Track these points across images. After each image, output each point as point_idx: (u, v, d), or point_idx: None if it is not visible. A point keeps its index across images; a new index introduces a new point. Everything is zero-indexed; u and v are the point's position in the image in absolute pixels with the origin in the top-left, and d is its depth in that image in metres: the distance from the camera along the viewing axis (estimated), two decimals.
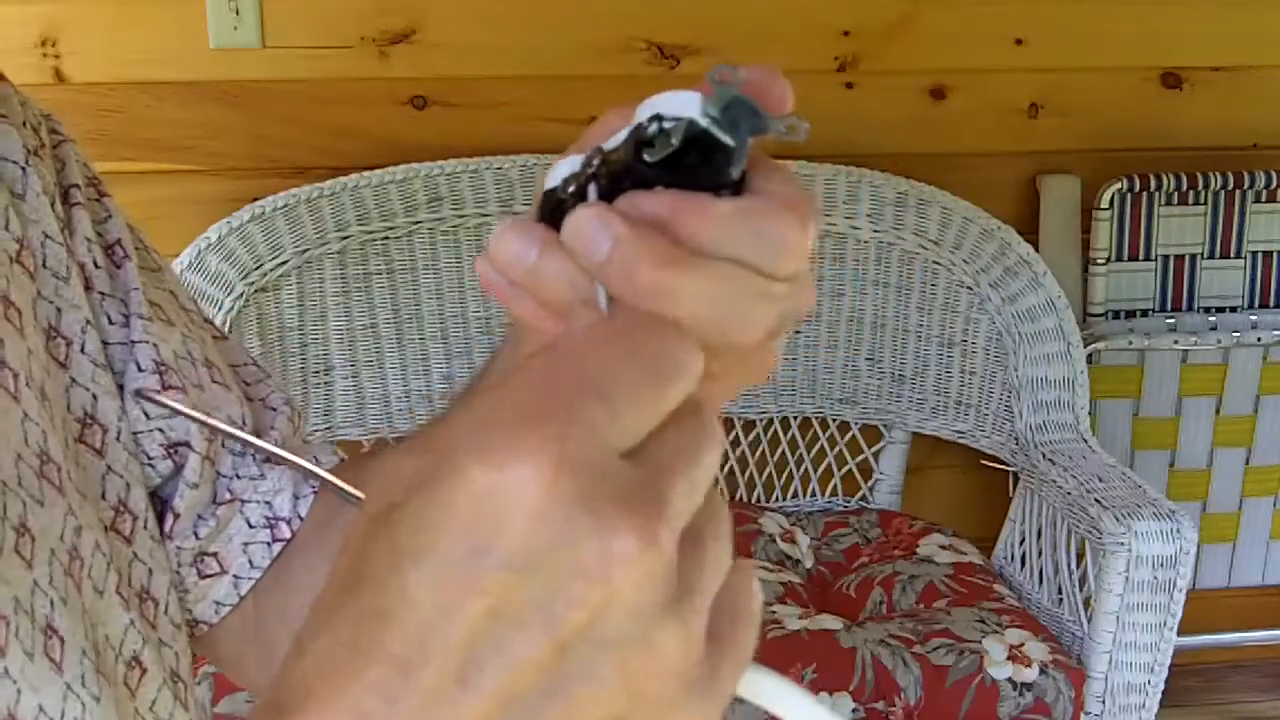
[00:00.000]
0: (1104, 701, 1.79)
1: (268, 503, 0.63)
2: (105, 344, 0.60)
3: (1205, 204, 2.22)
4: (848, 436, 2.22)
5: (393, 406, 2.06)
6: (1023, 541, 2.00)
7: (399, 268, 2.02)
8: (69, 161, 0.61)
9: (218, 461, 0.63)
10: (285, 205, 1.96)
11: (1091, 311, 2.21)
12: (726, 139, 0.41)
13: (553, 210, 0.42)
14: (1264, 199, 2.23)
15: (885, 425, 2.18)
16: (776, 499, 2.23)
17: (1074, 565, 1.87)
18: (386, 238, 2.02)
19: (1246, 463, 2.29)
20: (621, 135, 0.42)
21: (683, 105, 0.41)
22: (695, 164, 0.40)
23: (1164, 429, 2.26)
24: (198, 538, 0.62)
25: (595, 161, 0.42)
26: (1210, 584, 2.33)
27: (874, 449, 2.21)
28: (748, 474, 2.23)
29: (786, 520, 2.09)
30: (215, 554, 0.62)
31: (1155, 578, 1.74)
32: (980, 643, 1.76)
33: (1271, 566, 2.35)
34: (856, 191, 2.09)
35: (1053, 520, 1.91)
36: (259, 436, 0.64)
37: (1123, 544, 1.73)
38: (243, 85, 2.05)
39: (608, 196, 0.41)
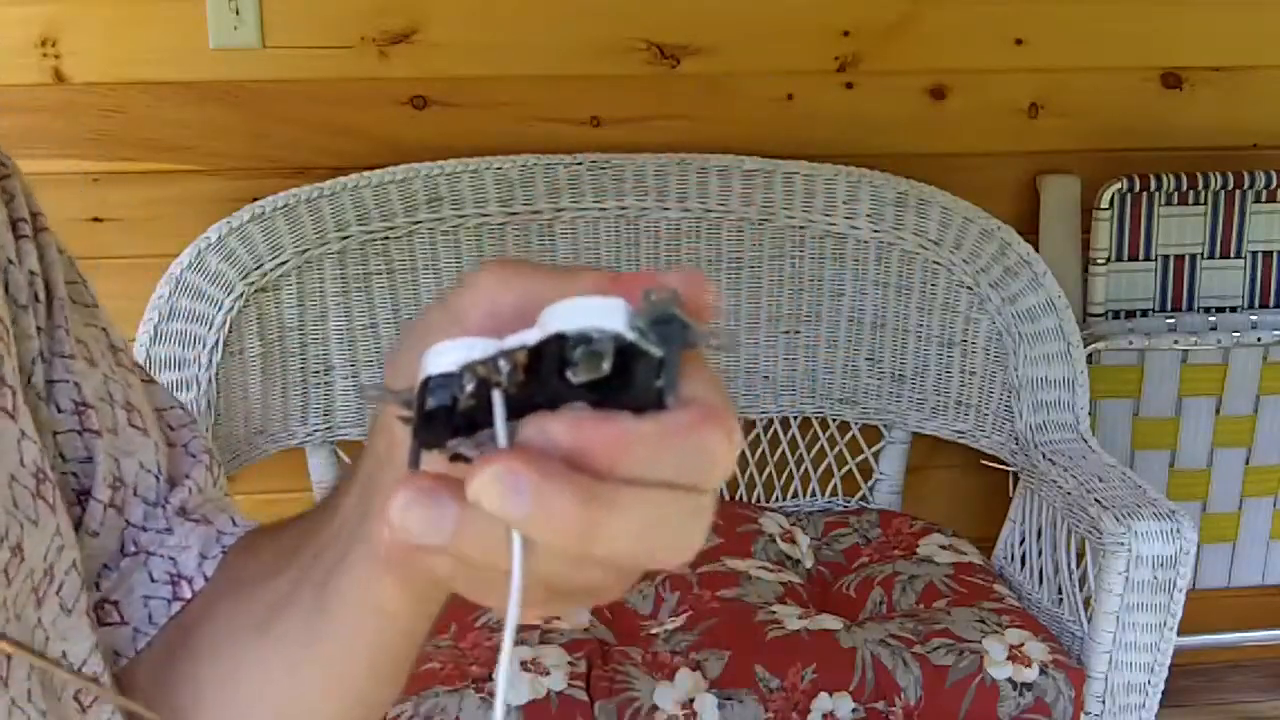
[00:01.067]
0: (1104, 701, 1.79)
1: (173, 559, 0.62)
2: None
3: (1205, 204, 2.22)
4: (848, 436, 2.22)
5: None
6: (1023, 541, 2.00)
7: (399, 268, 2.02)
8: (16, 195, 0.59)
9: (126, 510, 0.61)
10: (285, 205, 1.96)
11: (1091, 311, 2.21)
12: (659, 357, 0.37)
13: (439, 412, 0.38)
14: (1264, 199, 2.23)
15: (885, 425, 2.18)
16: (776, 499, 2.23)
17: (1074, 565, 1.87)
18: (386, 238, 2.02)
19: (1246, 463, 2.29)
20: (529, 336, 0.38)
21: (603, 316, 0.37)
22: (620, 383, 0.37)
23: (1164, 429, 2.26)
24: (98, 588, 0.61)
25: (504, 369, 0.38)
26: (1210, 584, 2.33)
27: (874, 449, 2.21)
28: (748, 474, 2.23)
29: (786, 520, 2.09)
30: (116, 603, 0.61)
31: (1155, 578, 1.74)
32: (980, 643, 1.76)
33: (1271, 566, 2.35)
34: (856, 191, 2.09)
35: (1053, 520, 1.91)
36: (173, 485, 0.63)
37: (1123, 544, 1.73)
38: (243, 85, 2.05)
39: (514, 411, 0.37)
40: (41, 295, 0.59)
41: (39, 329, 0.59)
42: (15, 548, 0.52)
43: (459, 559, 0.38)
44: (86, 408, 0.59)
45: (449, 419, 0.38)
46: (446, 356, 0.39)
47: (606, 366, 0.36)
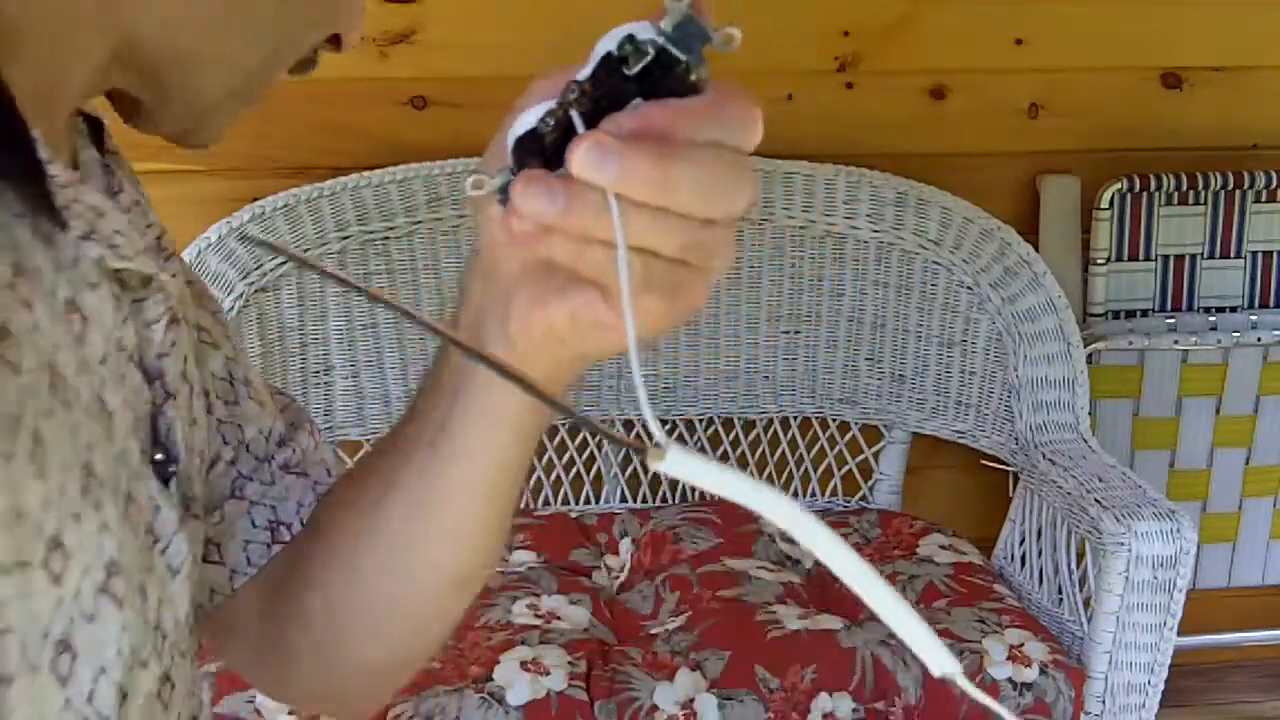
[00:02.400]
0: (1104, 701, 1.79)
1: (273, 507, 0.69)
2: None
3: (1205, 204, 2.22)
4: (848, 436, 2.22)
5: (393, 406, 2.06)
6: (1023, 541, 2.00)
7: (399, 268, 2.03)
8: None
9: (239, 463, 0.69)
10: (285, 205, 1.96)
11: (1091, 311, 2.21)
12: (680, 53, 0.48)
13: (532, 150, 0.48)
14: (1264, 199, 2.23)
15: (885, 425, 2.18)
16: None
17: (1074, 565, 1.87)
18: (386, 238, 2.02)
19: (1246, 463, 2.29)
20: (588, 69, 0.48)
21: (635, 31, 0.48)
22: (662, 77, 0.48)
23: (1164, 429, 2.26)
24: (208, 525, 0.67)
25: (572, 94, 0.48)
26: (1210, 584, 2.33)
27: (874, 449, 2.21)
28: (748, 474, 2.23)
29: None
30: (219, 545, 0.68)
31: (1155, 578, 1.74)
32: (980, 643, 1.76)
33: (1271, 566, 2.35)
34: (856, 191, 2.10)
35: (1053, 520, 1.91)
36: (280, 445, 0.71)
37: (1123, 544, 1.73)
38: None
39: (589, 122, 0.47)
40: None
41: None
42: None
43: (571, 234, 0.46)
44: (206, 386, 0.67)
45: (541, 157, 0.48)
46: (526, 117, 0.49)
47: (651, 50, 0.47)
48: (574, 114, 0.48)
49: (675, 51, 0.47)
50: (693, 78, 0.48)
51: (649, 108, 0.47)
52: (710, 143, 0.47)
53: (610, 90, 0.48)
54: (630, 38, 0.47)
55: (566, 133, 0.47)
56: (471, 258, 0.58)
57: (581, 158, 0.45)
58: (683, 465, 0.47)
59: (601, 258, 0.47)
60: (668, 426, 2.19)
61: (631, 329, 0.46)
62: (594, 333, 0.50)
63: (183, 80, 0.61)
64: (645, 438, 0.48)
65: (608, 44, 0.48)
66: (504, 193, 0.48)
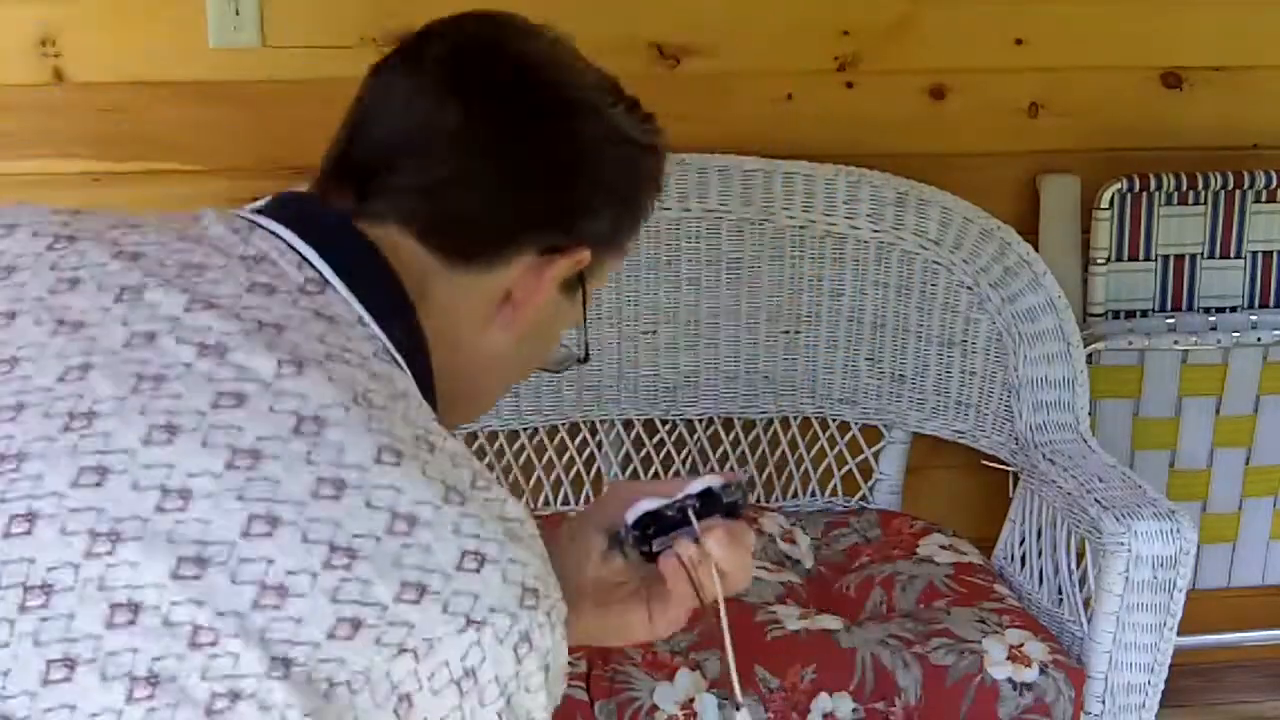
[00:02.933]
0: (1104, 701, 1.79)
1: None
2: None
3: (1205, 204, 2.22)
4: (848, 436, 2.22)
5: None
6: (1023, 541, 2.00)
7: None
8: None
9: None
10: None
11: (1091, 311, 2.21)
12: (738, 500, 0.97)
13: (652, 524, 0.94)
14: (1264, 199, 2.23)
15: (885, 425, 2.18)
16: (776, 499, 2.23)
17: (1074, 565, 1.87)
18: None
19: (1246, 463, 2.29)
20: (696, 488, 0.95)
21: (715, 483, 0.96)
22: (728, 508, 0.96)
23: (1164, 429, 2.26)
24: None
25: (691, 503, 0.94)
26: (1210, 584, 2.32)
27: (874, 449, 2.21)
28: (748, 474, 2.23)
29: (786, 520, 2.09)
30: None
31: (1155, 578, 1.74)
32: (980, 643, 1.76)
33: (1271, 566, 2.35)
34: (856, 191, 2.09)
35: (1053, 520, 1.91)
36: None
37: (1123, 544, 1.73)
38: (243, 85, 2.05)
39: (679, 523, 0.94)
40: None
41: None
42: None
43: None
44: None
45: (657, 529, 0.95)
46: (646, 504, 0.95)
47: (741, 500, 0.97)
48: (690, 512, 0.94)
49: (733, 498, 0.96)
50: (741, 508, 0.96)
51: (731, 524, 0.96)
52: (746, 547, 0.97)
53: (706, 505, 0.94)
54: (727, 486, 0.95)
55: (682, 520, 0.94)
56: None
57: (719, 541, 0.94)
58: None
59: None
60: (668, 426, 2.19)
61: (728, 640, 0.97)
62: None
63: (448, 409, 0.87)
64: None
65: (709, 482, 0.95)
66: (617, 544, 0.96)
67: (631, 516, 0.93)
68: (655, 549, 0.93)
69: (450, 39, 0.93)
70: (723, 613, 0.91)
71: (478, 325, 0.89)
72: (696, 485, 0.93)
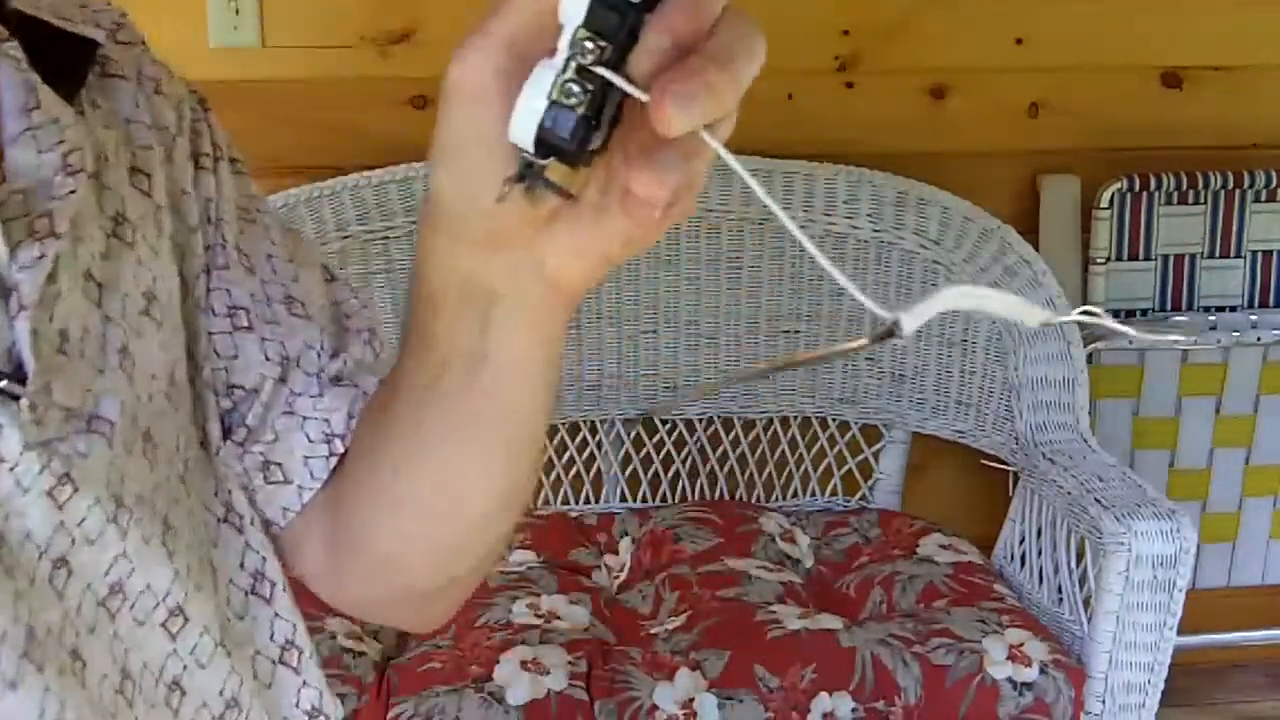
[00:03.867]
0: (1104, 701, 1.78)
1: (325, 419, 0.71)
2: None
3: (1205, 204, 2.22)
4: (848, 436, 2.22)
5: None
6: (1023, 541, 2.00)
7: (399, 268, 2.02)
8: (203, 132, 0.74)
9: (290, 380, 0.71)
10: (285, 205, 1.96)
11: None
12: None
13: (565, 130, 0.46)
14: (1264, 199, 2.23)
15: (885, 425, 2.18)
16: (776, 499, 2.23)
17: (1074, 565, 1.87)
18: (386, 238, 2.02)
19: (1246, 463, 2.29)
20: (579, 14, 0.45)
21: None
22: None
23: (1164, 429, 2.26)
24: (261, 454, 0.70)
25: (588, 54, 0.45)
26: (1210, 584, 2.33)
27: (874, 449, 2.21)
28: (748, 474, 2.23)
29: (786, 520, 2.09)
30: (280, 464, 0.70)
31: (1155, 577, 1.74)
32: (980, 642, 1.76)
33: (1271, 566, 2.35)
34: (856, 191, 2.10)
35: (1053, 520, 1.91)
36: (336, 355, 0.72)
37: (1123, 544, 1.73)
38: (243, 85, 2.05)
39: (619, 56, 0.45)
40: (213, 217, 0.70)
41: (206, 247, 0.69)
42: (146, 434, 0.62)
43: (690, 180, 0.49)
44: (238, 310, 0.70)
45: (584, 132, 0.46)
46: (531, 101, 0.46)
47: None
48: (605, 72, 0.45)
49: None
50: None
51: (671, 27, 0.46)
52: (724, 13, 0.50)
53: (615, 27, 0.45)
54: None
55: (603, 96, 0.46)
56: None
57: (675, 122, 0.45)
58: (921, 318, 0.50)
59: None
60: (668, 426, 2.19)
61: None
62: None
63: None
64: (873, 325, 0.50)
65: None
66: (528, 180, 0.48)
67: (528, 130, 0.46)
68: (595, 144, 0.47)
69: None
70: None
71: None
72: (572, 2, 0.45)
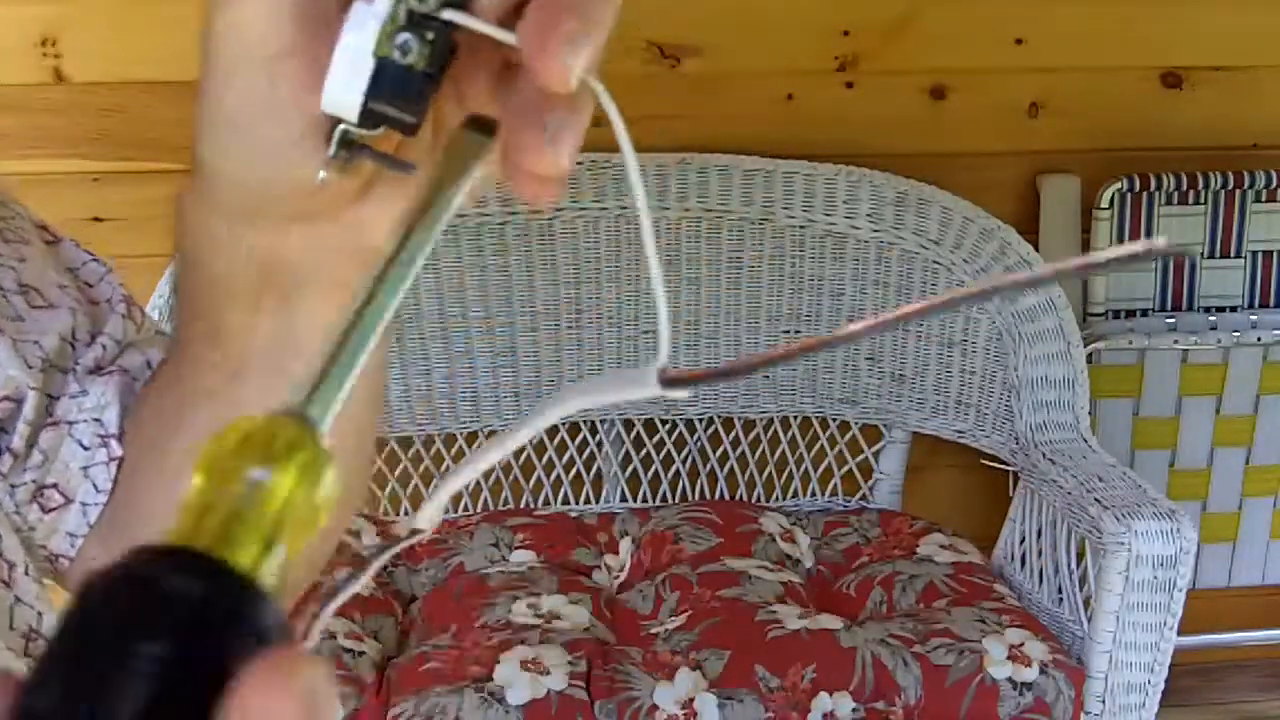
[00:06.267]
0: (1104, 701, 1.78)
1: (97, 419, 0.59)
2: None
3: (1205, 204, 2.22)
4: (848, 436, 2.22)
5: (393, 406, 2.06)
6: (1023, 541, 2.00)
7: None
8: None
9: (48, 385, 0.59)
10: None
11: (1091, 311, 2.21)
12: None
13: (402, 84, 0.35)
14: (1264, 199, 2.23)
15: (885, 425, 2.18)
16: (776, 499, 2.23)
17: (1074, 565, 1.87)
18: None
19: (1246, 463, 2.29)
20: None
21: None
22: None
23: (1164, 429, 2.26)
24: (33, 480, 0.59)
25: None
26: (1210, 584, 2.33)
27: (874, 449, 2.21)
28: (748, 474, 2.23)
29: (786, 520, 2.09)
30: (55, 485, 0.59)
31: (1155, 577, 1.74)
32: (980, 642, 1.76)
33: (1271, 566, 2.35)
34: (856, 191, 2.10)
35: (1053, 520, 1.91)
36: (93, 340, 0.61)
37: (1123, 544, 1.73)
38: None
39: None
40: None
41: None
42: None
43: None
44: None
45: (418, 88, 0.36)
46: (348, 54, 0.35)
47: None
48: (460, 16, 0.35)
49: None
50: None
51: None
52: None
53: None
54: None
55: (446, 45, 0.35)
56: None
57: (570, 72, 0.34)
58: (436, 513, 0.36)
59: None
60: (668, 426, 2.19)
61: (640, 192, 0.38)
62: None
63: None
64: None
65: None
66: (348, 155, 0.38)
67: (345, 92, 0.36)
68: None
69: None
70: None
71: None
72: None
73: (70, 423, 0.59)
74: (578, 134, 0.37)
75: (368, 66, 0.35)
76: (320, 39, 0.36)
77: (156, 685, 0.23)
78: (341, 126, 0.37)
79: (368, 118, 0.36)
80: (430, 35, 0.35)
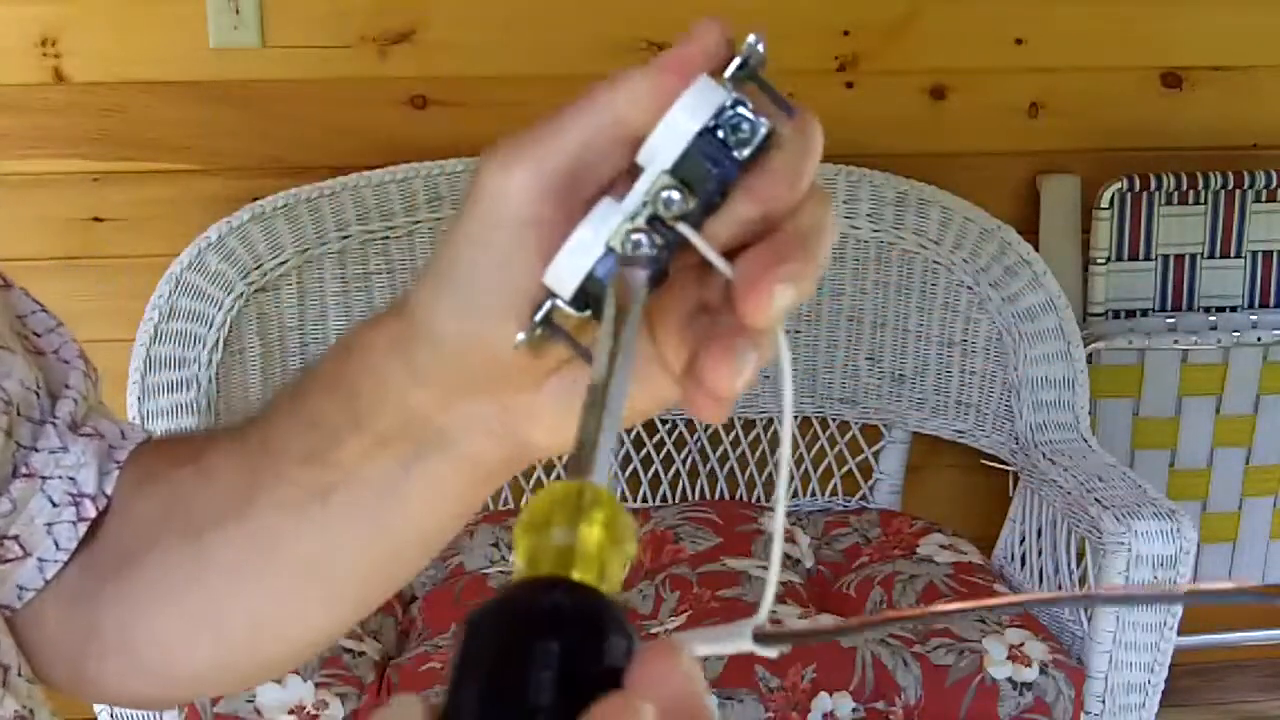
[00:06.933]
0: (1104, 701, 1.79)
1: (71, 478, 0.58)
2: None
3: (1205, 204, 2.22)
4: (848, 436, 2.22)
5: None
6: (1023, 541, 2.00)
7: (399, 268, 2.02)
8: None
9: (15, 432, 0.58)
10: (285, 205, 1.96)
11: (1091, 311, 2.21)
12: (763, 121, 0.41)
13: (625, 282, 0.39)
14: (1264, 199, 2.23)
15: (885, 425, 2.18)
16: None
17: (1074, 565, 1.87)
18: (386, 238, 2.02)
19: (1246, 463, 2.29)
20: (666, 159, 0.38)
21: (708, 105, 0.39)
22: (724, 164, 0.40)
23: (1164, 429, 2.26)
24: None
25: (674, 206, 0.39)
26: None
27: (874, 449, 2.21)
28: (748, 474, 2.23)
29: (786, 520, 2.08)
30: (16, 536, 0.57)
31: (1155, 578, 1.74)
32: (980, 642, 1.76)
33: (1271, 566, 2.35)
34: (856, 191, 2.09)
35: (1053, 520, 1.91)
36: (55, 398, 0.60)
37: (1123, 544, 1.73)
38: (243, 85, 2.05)
39: (702, 213, 0.39)
40: None
41: None
42: None
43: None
44: None
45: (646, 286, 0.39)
46: (584, 249, 0.39)
47: (765, 129, 0.40)
48: (691, 235, 0.38)
49: (758, 121, 0.40)
50: (775, 111, 0.41)
51: (767, 196, 0.40)
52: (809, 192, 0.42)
53: (707, 181, 0.38)
54: (731, 123, 0.39)
55: (670, 255, 0.39)
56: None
57: (768, 314, 0.39)
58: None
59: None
60: (668, 426, 2.19)
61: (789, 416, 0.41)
62: None
63: None
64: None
65: (691, 120, 0.38)
66: (548, 326, 0.40)
67: (570, 269, 0.39)
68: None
69: None
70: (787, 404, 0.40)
71: None
72: (675, 128, 0.39)
73: (44, 477, 0.58)
74: (760, 364, 0.40)
75: (597, 252, 0.39)
76: (569, 219, 0.39)
77: (557, 676, 0.29)
78: (550, 302, 0.40)
79: (579, 298, 0.39)
80: (661, 241, 0.38)
